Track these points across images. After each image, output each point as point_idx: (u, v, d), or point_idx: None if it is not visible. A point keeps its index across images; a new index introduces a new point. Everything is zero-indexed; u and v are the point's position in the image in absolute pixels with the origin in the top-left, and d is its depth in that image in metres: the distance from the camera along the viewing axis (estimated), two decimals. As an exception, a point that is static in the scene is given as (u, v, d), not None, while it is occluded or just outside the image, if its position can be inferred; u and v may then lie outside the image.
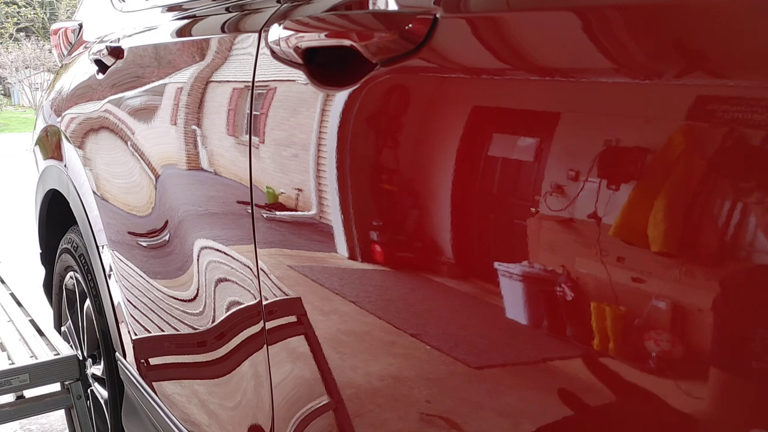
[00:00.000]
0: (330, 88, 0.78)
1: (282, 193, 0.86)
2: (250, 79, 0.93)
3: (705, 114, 0.44)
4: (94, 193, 1.64)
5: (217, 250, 1.05)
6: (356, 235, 0.74)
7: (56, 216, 2.11)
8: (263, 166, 0.90)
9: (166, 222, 1.24)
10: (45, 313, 2.14)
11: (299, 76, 0.83)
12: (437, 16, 0.65)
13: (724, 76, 0.44)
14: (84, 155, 1.68)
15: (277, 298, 0.91)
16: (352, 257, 0.75)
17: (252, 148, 0.92)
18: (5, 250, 4.93)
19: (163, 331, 1.34)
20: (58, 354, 1.80)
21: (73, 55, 1.94)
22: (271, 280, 0.91)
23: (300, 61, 0.82)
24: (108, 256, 1.61)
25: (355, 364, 0.77)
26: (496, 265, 0.58)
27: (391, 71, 0.70)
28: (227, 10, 1.11)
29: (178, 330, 1.26)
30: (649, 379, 0.47)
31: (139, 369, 1.50)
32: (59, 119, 1.87)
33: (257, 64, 0.93)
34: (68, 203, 1.86)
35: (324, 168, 0.78)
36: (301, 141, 0.82)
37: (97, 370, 1.91)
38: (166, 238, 1.25)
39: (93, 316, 1.84)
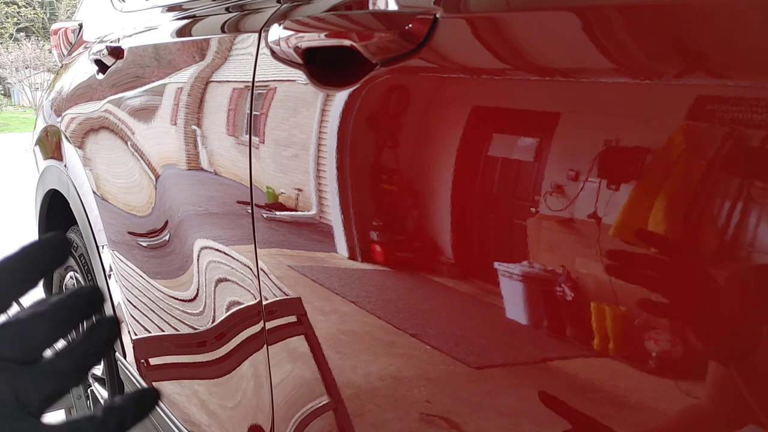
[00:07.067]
0: (330, 88, 0.78)
1: (282, 193, 0.86)
2: (250, 79, 0.93)
3: (705, 114, 0.44)
4: (94, 193, 1.64)
5: (217, 250, 1.05)
6: (356, 235, 0.74)
7: (56, 216, 2.11)
8: (263, 166, 0.90)
9: (166, 222, 1.24)
10: (45, 314, 2.14)
11: (299, 76, 0.83)
12: (437, 16, 0.65)
13: (724, 76, 0.44)
14: (84, 155, 1.68)
15: (277, 298, 0.91)
16: (352, 257, 0.75)
17: (252, 148, 0.92)
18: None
19: (163, 331, 1.34)
20: (58, 354, 1.80)
21: (73, 55, 1.94)
22: (271, 280, 0.91)
23: (300, 61, 0.82)
24: (108, 256, 1.61)
25: (355, 364, 0.77)
26: (496, 265, 0.58)
27: (391, 71, 0.70)
28: (227, 10, 1.11)
29: (178, 330, 1.26)
30: (649, 379, 0.47)
31: (139, 369, 1.50)
32: (59, 119, 1.87)
33: (257, 64, 0.93)
34: (68, 203, 1.86)
35: (324, 168, 0.78)
36: (301, 141, 0.82)
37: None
38: (166, 238, 1.25)
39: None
